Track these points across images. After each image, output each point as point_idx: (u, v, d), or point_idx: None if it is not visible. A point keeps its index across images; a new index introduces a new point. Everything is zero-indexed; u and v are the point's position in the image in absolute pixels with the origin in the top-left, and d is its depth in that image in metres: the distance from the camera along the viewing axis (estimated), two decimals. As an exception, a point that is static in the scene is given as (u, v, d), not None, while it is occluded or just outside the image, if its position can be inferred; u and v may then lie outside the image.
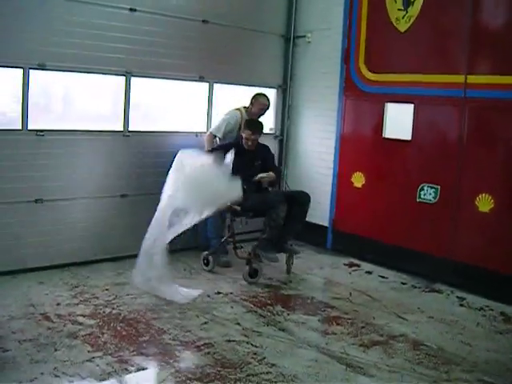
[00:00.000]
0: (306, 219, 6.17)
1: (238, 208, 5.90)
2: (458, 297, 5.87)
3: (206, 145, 6.55)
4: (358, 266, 6.79)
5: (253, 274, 5.94)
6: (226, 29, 7.06)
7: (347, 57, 7.18)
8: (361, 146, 7.12)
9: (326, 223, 7.50)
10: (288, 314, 5.16)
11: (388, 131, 6.82)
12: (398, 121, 6.72)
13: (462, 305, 5.69)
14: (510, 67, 5.74)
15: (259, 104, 6.68)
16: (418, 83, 6.38)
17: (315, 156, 7.65)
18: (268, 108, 6.81)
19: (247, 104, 6.79)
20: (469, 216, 6.05)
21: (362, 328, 4.94)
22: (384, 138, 6.83)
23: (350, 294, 5.80)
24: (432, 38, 6.42)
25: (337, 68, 7.30)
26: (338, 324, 5.00)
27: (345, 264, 6.69)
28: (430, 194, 6.33)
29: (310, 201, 6.14)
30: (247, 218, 6.11)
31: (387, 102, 6.77)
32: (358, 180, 7.10)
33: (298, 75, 7.85)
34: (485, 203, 5.90)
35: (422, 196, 6.44)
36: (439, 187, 6.28)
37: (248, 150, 6.23)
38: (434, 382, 4.05)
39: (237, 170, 5.64)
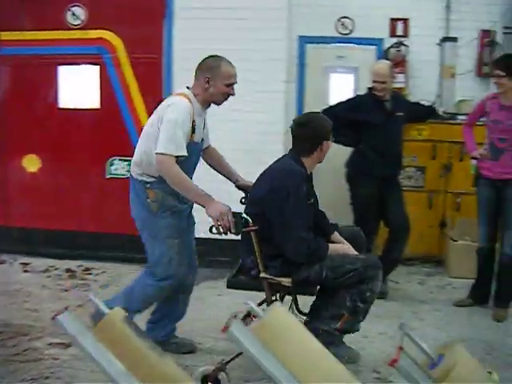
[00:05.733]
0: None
1: (288, 282, 3.36)
2: (21, 263, 5.62)
3: (177, 182, 3.37)
4: None
5: None
6: None
7: None
8: None
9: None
10: None
11: None
12: None
13: (26, 271, 5.47)
14: (43, 22, 5.64)
15: (224, 77, 3.51)
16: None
17: None
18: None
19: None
20: (18, 178, 5.83)
21: None
22: None
23: None
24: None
25: None
26: None
27: None
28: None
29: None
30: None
31: None
32: None
33: None
34: (32, 163, 5.74)
35: None
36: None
37: (308, 178, 3.59)
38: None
39: (306, 215, 3.40)
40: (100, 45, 5.52)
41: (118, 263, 5.56)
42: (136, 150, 3.60)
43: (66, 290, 4.99)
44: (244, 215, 3.27)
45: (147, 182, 3.50)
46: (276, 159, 3.58)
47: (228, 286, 3.54)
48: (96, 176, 5.65)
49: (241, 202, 3.73)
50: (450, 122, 5.71)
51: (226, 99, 3.60)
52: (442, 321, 4.48)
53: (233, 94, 3.59)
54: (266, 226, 3.27)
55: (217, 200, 3.32)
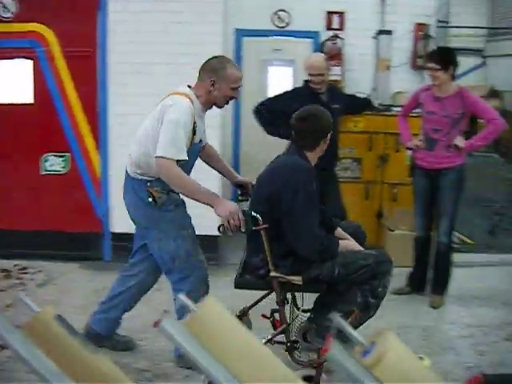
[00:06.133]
0: None
1: (299, 280, 3.24)
2: None
3: (180, 185, 3.27)
4: None
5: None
6: None
7: None
8: None
9: None
10: None
11: None
12: None
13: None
14: None
15: (230, 80, 3.37)
16: None
17: None
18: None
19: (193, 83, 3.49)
20: None
21: None
22: None
23: None
24: None
25: None
26: None
27: None
28: None
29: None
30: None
31: None
32: None
33: None
34: None
35: None
36: None
37: (314, 173, 3.42)
38: None
39: (316, 211, 3.27)
40: (32, 38, 5.34)
41: (55, 261, 5.43)
42: (133, 149, 3.43)
43: (2, 291, 4.86)
44: (253, 213, 3.16)
45: (148, 181, 3.36)
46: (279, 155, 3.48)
47: (236, 287, 3.35)
48: (30, 172, 5.47)
49: (238, 199, 3.68)
50: (386, 113, 5.79)
51: (228, 103, 3.48)
52: (381, 309, 4.54)
53: (236, 98, 3.49)
54: (274, 224, 3.15)
55: (225, 199, 3.26)
